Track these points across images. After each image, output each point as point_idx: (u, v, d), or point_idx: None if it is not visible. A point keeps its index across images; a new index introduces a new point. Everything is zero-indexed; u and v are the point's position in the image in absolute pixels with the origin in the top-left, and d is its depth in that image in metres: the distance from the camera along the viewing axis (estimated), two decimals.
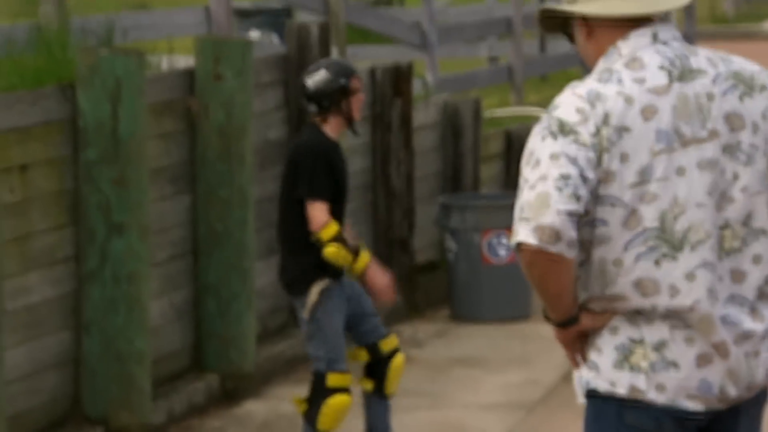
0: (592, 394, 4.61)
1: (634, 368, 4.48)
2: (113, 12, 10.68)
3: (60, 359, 9.55)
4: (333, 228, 10.23)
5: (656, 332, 4.48)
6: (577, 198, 4.22)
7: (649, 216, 4.40)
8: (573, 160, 4.28)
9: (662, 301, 4.42)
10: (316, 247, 10.44)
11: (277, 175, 11.70)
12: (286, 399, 10.07)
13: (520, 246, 4.29)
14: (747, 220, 4.57)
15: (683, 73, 4.56)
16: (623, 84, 4.43)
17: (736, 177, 4.53)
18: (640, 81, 4.44)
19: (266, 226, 11.47)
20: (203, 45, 10.91)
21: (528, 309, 13.00)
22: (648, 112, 4.41)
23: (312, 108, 10.63)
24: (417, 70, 14.41)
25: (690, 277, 4.43)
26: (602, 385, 4.54)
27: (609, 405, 4.57)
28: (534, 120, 15.48)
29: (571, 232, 4.25)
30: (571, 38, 4.83)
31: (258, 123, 11.23)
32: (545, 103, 16.62)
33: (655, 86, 4.46)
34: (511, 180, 15.02)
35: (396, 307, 12.88)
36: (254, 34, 13.66)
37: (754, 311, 4.58)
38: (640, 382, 4.46)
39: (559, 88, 15.68)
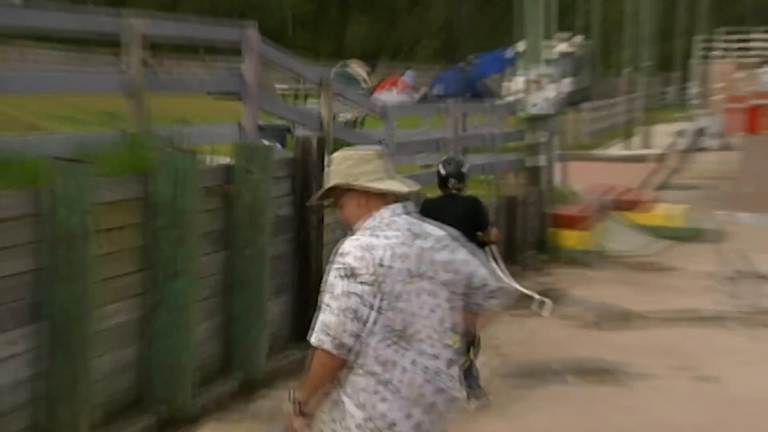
0: None
1: None
2: (175, 126, 10.62)
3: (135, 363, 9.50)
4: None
5: (389, 414, 5.07)
6: (361, 320, 4.96)
7: (397, 321, 5.02)
8: (360, 296, 4.95)
9: (396, 376, 5.04)
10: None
11: (286, 240, 11.73)
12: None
13: (320, 348, 4.98)
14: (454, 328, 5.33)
15: (420, 234, 5.23)
16: (388, 238, 5.09)
17: (449, 301, 5.28)
18: (397, 237, 5.11)
19: (276, 275, 11.37)
20: (239, 149, 10.88)
21: None
22: (402, 258, 5.06)
23: (459, 184, 11.43)
24: None
25: (414, 363, 5.07)
26: None
27: None
28: None
29: (352, 345, 5.00)
30: (336, 205, 5.44)
31: (273, 204, 11.10)
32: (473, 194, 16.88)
33: (405, 241, 5.13)
34: None
35: None
36: (265, 143, 13.58)
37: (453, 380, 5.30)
38: None
39: (470, 183, 15.62)
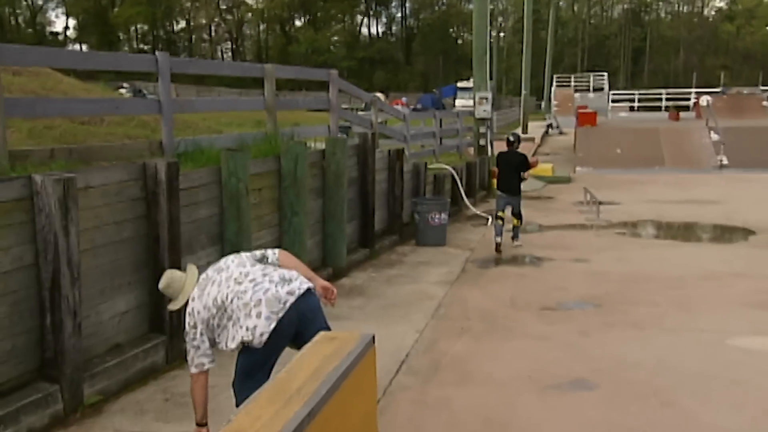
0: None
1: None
2: (291, 126, 9.45)
3: None
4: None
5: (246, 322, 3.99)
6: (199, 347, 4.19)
7: (215, 311, 4.15)
8: (195, 337, 4.17)
9: (234, 318, 4.07)
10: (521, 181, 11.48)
11: (354, 190, 10.43)
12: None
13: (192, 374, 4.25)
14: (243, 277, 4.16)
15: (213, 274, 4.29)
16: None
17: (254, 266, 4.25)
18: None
19: (349, 210, 10.08)
20: (328, 140, 9.64)
21: (445, 241, 11.67)
22: (198, 300, 4.21)
23: (518, 144, 11.71)
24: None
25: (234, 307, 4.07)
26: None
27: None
28: (443, 171, 13.90)
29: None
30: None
31: (348, 171, 9.85)
32: (446, 162, 15.77)
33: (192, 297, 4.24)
34: (437, 192, 13.64)
35: (397, 239, 11.55)
36: (342, 136, 12.31)
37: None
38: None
39: (446, 158, 14.21)
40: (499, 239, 11.24)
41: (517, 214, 11.58)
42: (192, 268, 4.50)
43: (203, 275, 4.38)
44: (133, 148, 6.63)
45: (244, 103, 9.39)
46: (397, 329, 7.36)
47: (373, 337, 4.03)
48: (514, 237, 11.70)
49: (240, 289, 4.05)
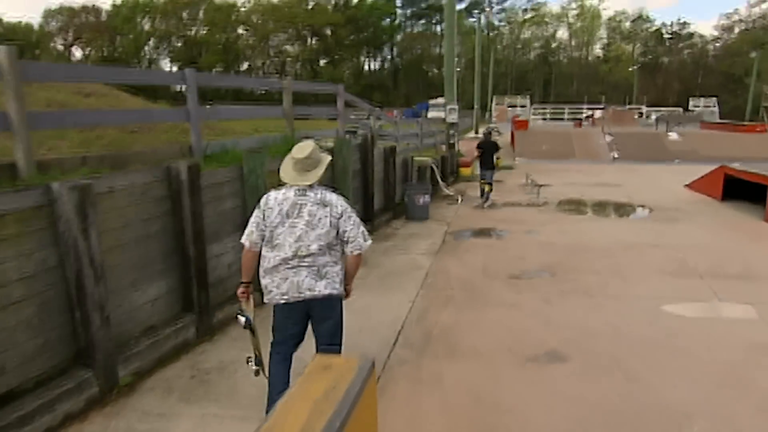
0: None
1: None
2: (307, 130, 7.62)
3: None
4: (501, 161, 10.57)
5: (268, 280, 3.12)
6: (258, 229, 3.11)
7: (267, 235, 3.11)
8: (257, 219, 3.14)
9: (266, 263, 3.10)
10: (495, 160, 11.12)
11: (358, 181, 8.66)
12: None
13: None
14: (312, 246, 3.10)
15: (301, 195, 3.15)
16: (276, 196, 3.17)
17: (319, 237, 3.12)
18: (283, 194, 3.16)
19: (354, 197, 8.35)
20: (337, 140, 7.81)
21: (428, 216, 9.98)
22: (278, 203, 3.12)
23: (490, 136, 11.26)
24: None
25: (275, 256, 3.06)
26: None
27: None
28: (425, 162, 12.08)
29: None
30: None
31: (352, 165, 8.23)
32: (427, 156, 13.96)
33: (285, 196, 3.14)
34: (420, 178, 11.61)
35: (391, 216, 9.78)
36: (348, 137, 10.53)
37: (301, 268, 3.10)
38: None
39: (426, 153, 12.06)
40: (485, 204, 11.18)
41: (489, 183, 11.36)
42: (327, 157, 3.38)
43: (315, 186, 3.26)
44: (165, 151, 4.96)
45: (264, 111, 7.66)
46: (393, 299, 5.80)
47: (373, 363, 2.44)
48: (486, 199, 11.32)
49: (288, 254, 3.10)
